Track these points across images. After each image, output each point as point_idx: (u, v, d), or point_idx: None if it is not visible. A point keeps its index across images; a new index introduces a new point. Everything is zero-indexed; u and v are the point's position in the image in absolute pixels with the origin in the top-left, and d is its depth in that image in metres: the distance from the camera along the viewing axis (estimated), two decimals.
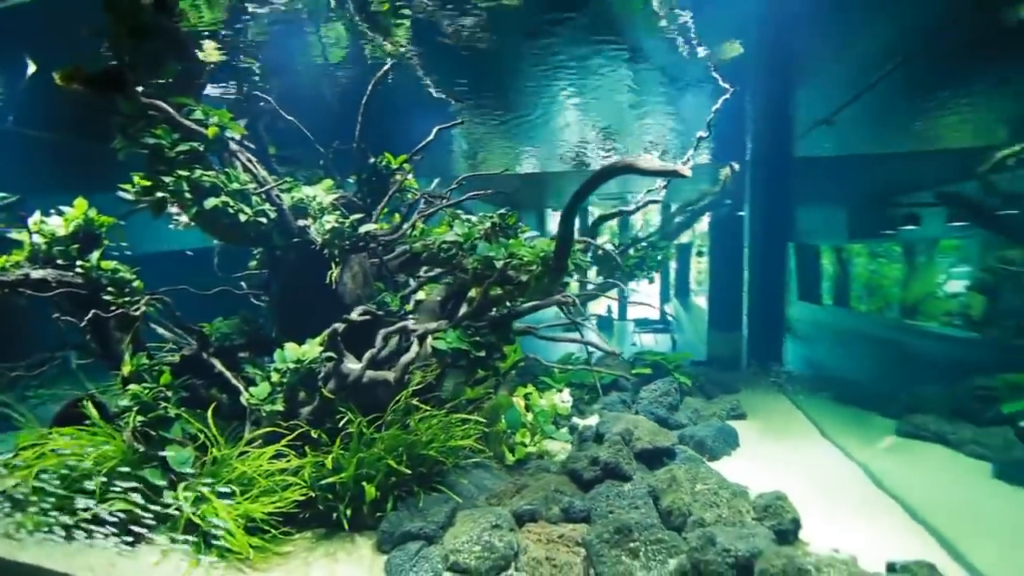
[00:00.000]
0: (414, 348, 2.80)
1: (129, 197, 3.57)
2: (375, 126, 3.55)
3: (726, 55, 3.88)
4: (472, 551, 2.31)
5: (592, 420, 3.66)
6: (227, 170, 2.81)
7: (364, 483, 2.50)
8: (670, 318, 14.17)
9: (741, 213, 5.68)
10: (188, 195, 2.65)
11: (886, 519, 2.51)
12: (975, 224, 4.79)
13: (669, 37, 3.68)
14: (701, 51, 3.49)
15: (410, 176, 3.65)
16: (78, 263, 2.94)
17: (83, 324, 2.75)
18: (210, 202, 2.67)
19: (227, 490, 2.49)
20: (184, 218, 3.72)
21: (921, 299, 12.52)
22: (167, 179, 2.62)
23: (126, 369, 2.85)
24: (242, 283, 3.79)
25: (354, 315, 2.77)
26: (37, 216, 2.97)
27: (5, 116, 3.53)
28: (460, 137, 5.82)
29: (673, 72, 4.23)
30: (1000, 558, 2.07)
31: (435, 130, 3.67)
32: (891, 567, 1.97)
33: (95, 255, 3.01)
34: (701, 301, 15.18)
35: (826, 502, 2.59)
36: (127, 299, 2.99)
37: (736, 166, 4.30)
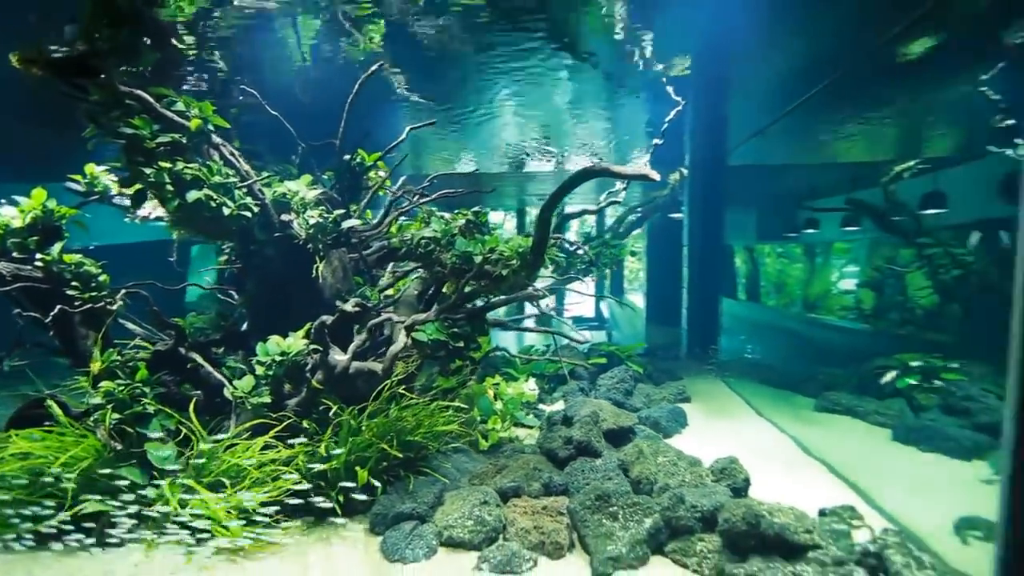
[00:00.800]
0: (401, 339, 2.92)
1: (79, 188, 3.42)
2: (338, 121, 3.63)
3: (675, 71, 4.29)
4: (464, 525, 2.48)
5: (556, 407, 3.92)
6: (208, 163, 2.79)
7: (357, 468, 2.60)
8: (605, 316, 14.89)
9: (679, 215, 6.19)
10: (170, 188, 2.62)
11: (814, 476, 2.97)
12: (876, 227, 5.58)
13: (625, 51, 4.02)
14: (659, 66, 3.85)
15: (382, 173, 3.75)
16: (38, 256, 2.80)
17: (48, 320, 2.63)
18: (192, 195, 2.65)
19: (215, 483, 2.50)
20: (143, 212, 3.62)
21: (821, 295, 13.98)
22: (147, 171, 2.58)
23: (96, 366, 2.75)
24: (206, 277, 3.71)
25: (348, 307, 2.85)
26: None
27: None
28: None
29: (621, 82, 4.60)
30: (901, 500, 2.56)
31: (407, 129, 3.79)
32: (822, 512, 2.37)
33: (56, 248, 2.88)
34: (634, 298, 16.00)
35: (766, 466, 3.00)
36: (93, 294, 2.88)
37: (685, 172, 4.73)
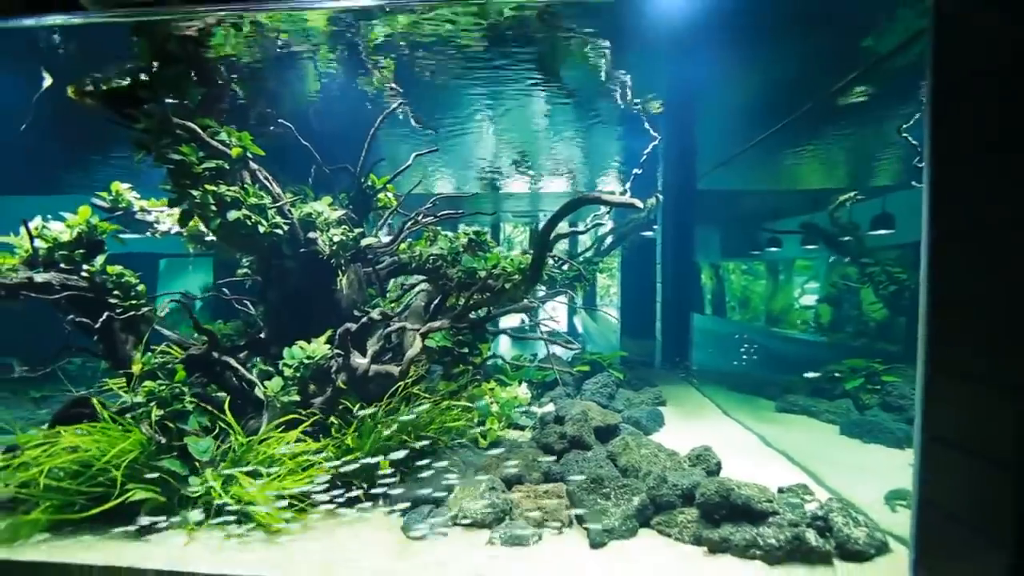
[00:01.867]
0: (417, 344, 3.27)
1: (104, 204, 3.69)
2: (345, 146, 3.99)
3: (651, 109, 4.81)
4: (475, 508, 2.82)
5: (546, 409, 4.30)
6: (245, 185, 3.11)
7: (383, 457, 2.92)
8: (579, 330, 15.39)
9: (651, 234, 6.72)
10: (213, 208, 2.93)
11: (775, 465, 3.44)
12: (825, 248, 6.23)
13: (607, 90, 4.51)
14: (636, 105, 4.35)
15: (391, 195, 4.12)
16: (84, 267, 3.05)
17: (97, 326, 2.88)
18: (233, 215, 2.96)
19: (253, 472, 2.78)
20: (163, 227, 3.90)
21: (783, 310, 14.81)
22: (195, 192, 2.88)
23: (137, 368, 3.01)
24: (224, 289, 3.99)
25: (375, 314, 3.18)
26: (38, 221, 3.04)
27: (19, 123, 3.46)
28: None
29: (601, 116, 5.10)
30: (844, 480, 3.05)
31: (412, 156, 4.17)
32: (780, 489, 2.81)
33: (99, 260, 3.14)
34: (606, 312, 16.56)
35: (733, 457, 3.44)
36: (132, 302, 3.14)
37: (660, 197, 5.23)
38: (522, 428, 4.22)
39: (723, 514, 2.52)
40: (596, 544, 2.57)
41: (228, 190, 2.96)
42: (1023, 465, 1.67)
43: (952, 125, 1.99)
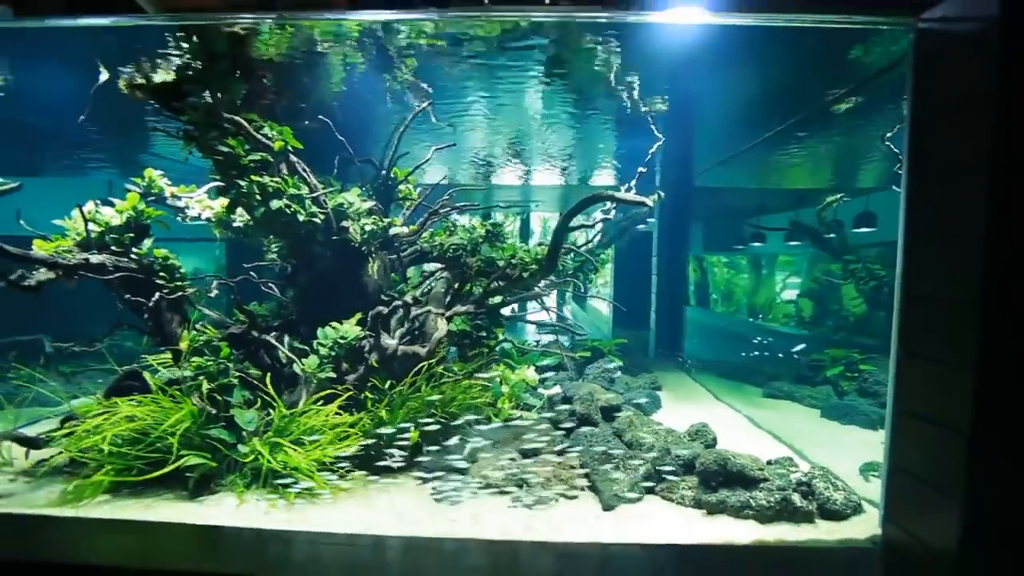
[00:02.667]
0: (443, 327, 3.54)
1: (138, 191, 3.89)
2: (367, 139, 4.20)
3: (655, 108, 5.09)
4: (498, 475, 3.13)
5: (553, 390, 4.61)
6: (284, 177, 3.34)
7: (413, 429, 3.21)
8: (569, 319, 15.73)
9: (645, 227, 7.04)
10: (258, 197, 3.16)
11: (763, 442, 3.81)
12: (811, 245, 6.62)
13: (615, 93, 4.77)
14: (643, 108, 4.62)
15: (411, 187, 4.36)
16: (133, 250, 3.26)
17: (150, 304, 3.10)
18: (275, 204, 3.19)
19: (296, 441, 3.04)
20: (193, 212, 4.10)
21: (766, 304, 15.28)
22: (242, 183, 3.11)
23: (184, 344, 3.24)
24: (252, 273, 4.21)
25: (408, 298, 3.45)
26: (91, 206, 3.24)
27: (78, 114, 3.62)
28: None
29: (603, 114, 5.35)
30: (825, 455, 3.40)
31: (432, 149, 4.41)
32: (768, 461, 3.16)
33: (147, 243, 3.35)
34: (596, 303, 16.92)
35: (725, 435, 3.77)
36: (177, 283, 3.36)
37: (662, 194, 5.53)
38: (530, 408, 4.53)
39: (720, 481, 2.86)
40: (608, 507, 2.89)
41: (271, 181, 3.19)
42: (976, 431, 2.02)
43: (926, 148, 2.32)
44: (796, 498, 2.69)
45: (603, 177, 8.07)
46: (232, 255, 6.36)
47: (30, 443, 3.18)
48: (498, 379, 4.48)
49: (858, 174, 7.71)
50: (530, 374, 4.62)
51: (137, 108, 3.97)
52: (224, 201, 4.14)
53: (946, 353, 2.14)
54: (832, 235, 6.69)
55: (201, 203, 4.08)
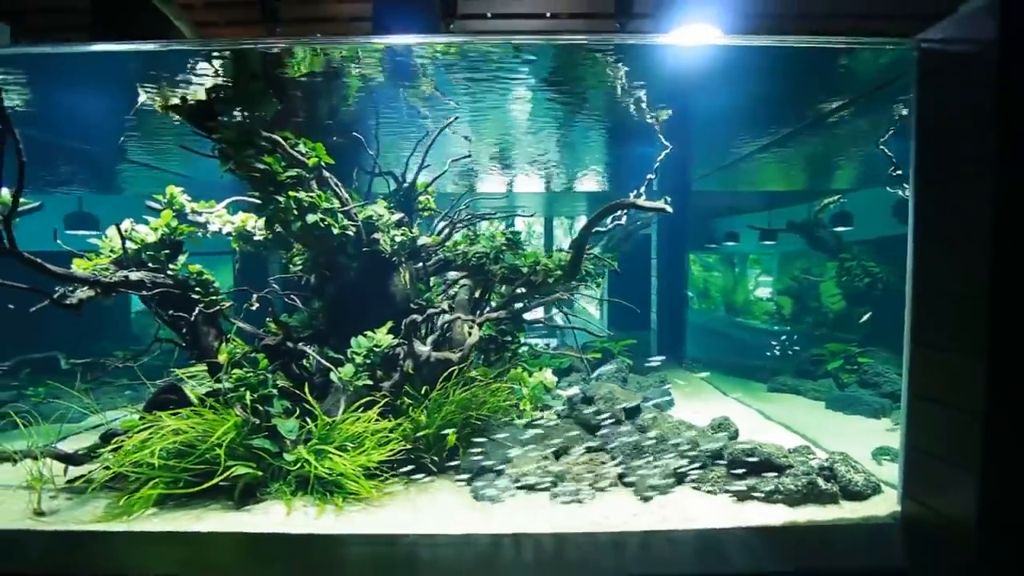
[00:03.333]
0: (476, 333, 3.66)
1: (159, 206, 3.96)
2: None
3: (660, 118, 5.31)
4: (534, 473, 3.26)
5: (571, 391, 4.76)
6: (317, 192, 3.44)
7: (451, 432, 3.31)
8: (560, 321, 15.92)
9: (646, 231, 7.27)
10: (295, 212, 3.25)
11: (777, 433, 4.01)
12: (808, 245, 6.93)
13: (622, 106, 4.97)
14: (649, 118, 4.83)
15: (430, 197, 4.48)
16: (169, 266, 3.32)
17: (192, 319, 3.16)
18: (311, 218, 3.29)
19: (340, 447, 3.13)
20: (214, 227, 4.16)
21: (744, 302, 15.62)
22: (279, 198, 3.20)
23: (223, 357, 3.30)
24: (274, 285, 4.27)
25: (445, 306, 3.56)
26: (128, 224, 3.29)
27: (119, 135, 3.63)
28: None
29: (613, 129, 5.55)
30: (837, 444, 3.59)
31: (449, 161, 4.55)
32: (788, 450, 3.36)
33: (181, 259, 3.40)
34: (585, 305, 17.12)
35: (742, 429, 3.98)
36: (212, 297, 3.42)
37: (669, 199, 5.75)
38: (549, 408, 4.67)
39: (749, 469, 3.04)
40: (644, 498, 3.05)
41: (307, 196, 3.29)
42: (988, 412, 2.23)
43: (932, 156, 2.54)
44: (820, 481, 2.88)
45: (607, 184, 8.28)
46: (242, 268, 6.38)
47: (69, 459, 3.20)
48: (520, 383, 4.62)
49: (836, 175, 8.08)
50: (548, 376, 4.77)
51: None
52: (244, 215, 4.22)
53: (958, 342, 2.36)
54: (822, 232, 7.00)
55: (221, 218, 4.14)
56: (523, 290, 3.86)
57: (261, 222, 4.20)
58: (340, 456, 3.08)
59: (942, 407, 2.46)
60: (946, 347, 2.44)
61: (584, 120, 5.32)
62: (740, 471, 3.04)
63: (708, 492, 3.09)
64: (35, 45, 2.88)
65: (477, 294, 4.25)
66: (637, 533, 2.62)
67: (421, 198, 4.38)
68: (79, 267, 3.14)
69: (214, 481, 2.90)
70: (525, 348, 4.81)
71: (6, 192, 4.04)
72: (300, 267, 4.10)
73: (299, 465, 3.05)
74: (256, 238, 4.24)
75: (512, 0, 5.35)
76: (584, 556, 2.41)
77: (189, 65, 3.14)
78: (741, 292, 15.91)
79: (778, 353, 5.01)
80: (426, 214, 4.53)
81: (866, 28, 5.05)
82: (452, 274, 4.52)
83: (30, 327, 5.11)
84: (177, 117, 3.21)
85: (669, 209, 3.39)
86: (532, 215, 9.35)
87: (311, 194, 3.30)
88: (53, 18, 5.17)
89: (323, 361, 3.40)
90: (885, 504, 2.84)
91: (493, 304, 4.48)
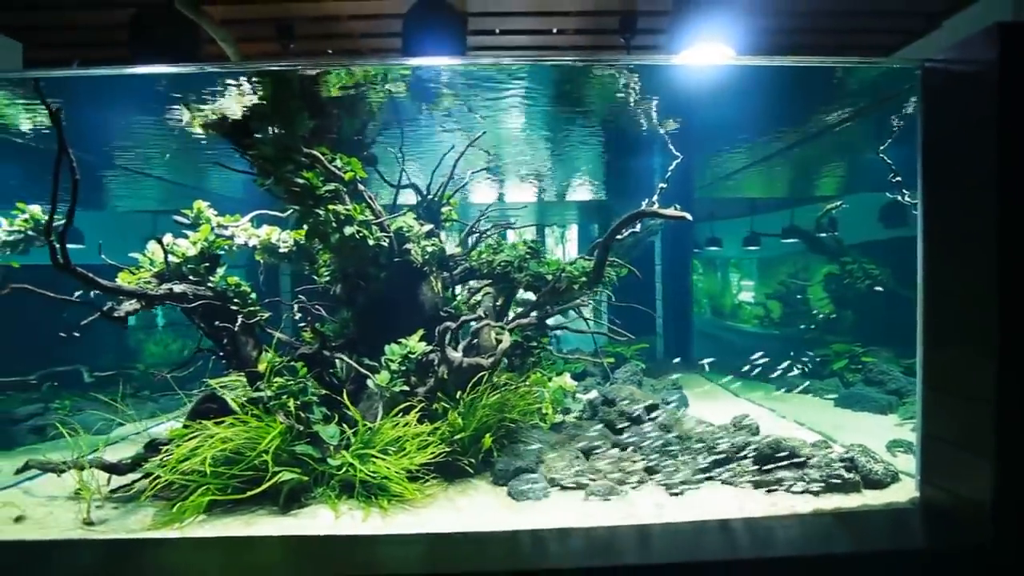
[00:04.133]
0: (507, 339, 3.79)
1: (186, 221, 4.06)
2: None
3: (667, 127, 5.52)
4: (567, 473, 3.39)
5: (591, 395, 4.90)
6: (353, 204, 3.57)
7: (486, 435, 3.43)
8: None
9: (653, 238, 7.48)
10: (333, 224, 3.38)
11: (792, 429, 4.19)
12: (807, 247, 7.19)
13: (633, 117, 5.17)
14: (661, 128, 5.03)
15: (452, 208, 4.63)
16: (209, 279, 3.41)
17: (235, 329, 3.26)
18: (348, 230, 3.42)
19: (382, 451, 3.23)
20: (240, 240, 4.26)
21: (732, 306, 15.72)
22: (319, 212, 3.32)
23: (263, 366, 3.40)
24: (300, 296, 4.38)
25: (480, 312, 3.69)
26: (169, 238, 3.38)
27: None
28: None
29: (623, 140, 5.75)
30: (851, 437, 3.77)
31: (469, 173, 4.71)
32: (811, 444, 3.53)
33: (220, 272, 3.50)
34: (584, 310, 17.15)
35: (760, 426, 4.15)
36: (249, 308, 3.52)
37: (679, 207, 5.96)
38: (569, 412, 4.81)
39: (774, 462, 3.20)
40: (675, 493, 3.19)
41: (344, 209, 3.42)
42: (1000, 401, 2.41)
43: (938, 166, 2.76)
44: (843, 471, 3.05)
45: (608, 194, 8.48)
46: (267, 280, 6.47)
47: (114, 469, 3.26)
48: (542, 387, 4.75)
49: (825, 182, 8.37)
50: (568, 381, 4.91)
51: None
52: (268, 229, 4.34)
53: (970, 335, 2.55)
54: (823, 235, 7.28)
55: (246, 231, 4.24)
56: (548, 296, 4.00)
57: (285, 235, 4.33)
58: (383, 459, 3.18)
59: (956, 397, 2.64)
60: (958, 341, 2.64)
61: (588, 133, 5.52)
62: (767, 465, 3.20)
63: (737, 485, 3.24)
64: (87, 68, 2.97)
65: (500, 301, 4.39)
66: (675, 523, 2.76)
67: (444, 209, 4.53)
68: (124, 281, 3.23)
69: (264, 487, 2.98)
70: (547, 353, 4.94)
71: (37, 208, 4.12)
72: (327, 278, 4.21)
73: (344, 469, 3.14)
74: (281, 250, 4.36)
75: (519, 17, 5.53)
76: (622, 547, 2.54)
77: (229, 85, 3.28)
78: (728, 296, 16.06)
79: (793, 365, 5.17)
80: (448, 224, 4.67)
81: (869, 41, 5.33)
82: (472, 283, 4.66)
83: (36, 343, 5.15)
84: (213, 133, 3.32)
85: (689, 217, 3.57)
86: (550, 226, 9.57)
87: (347, 207, 3.43)
88: (64, 35, 5.24)
89: (359, 368, 3.51)
90: (904, 491, 3.01)
91: (514, 311, 4.62)
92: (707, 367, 5.16)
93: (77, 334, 4.03)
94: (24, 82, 3.49)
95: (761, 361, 4.63)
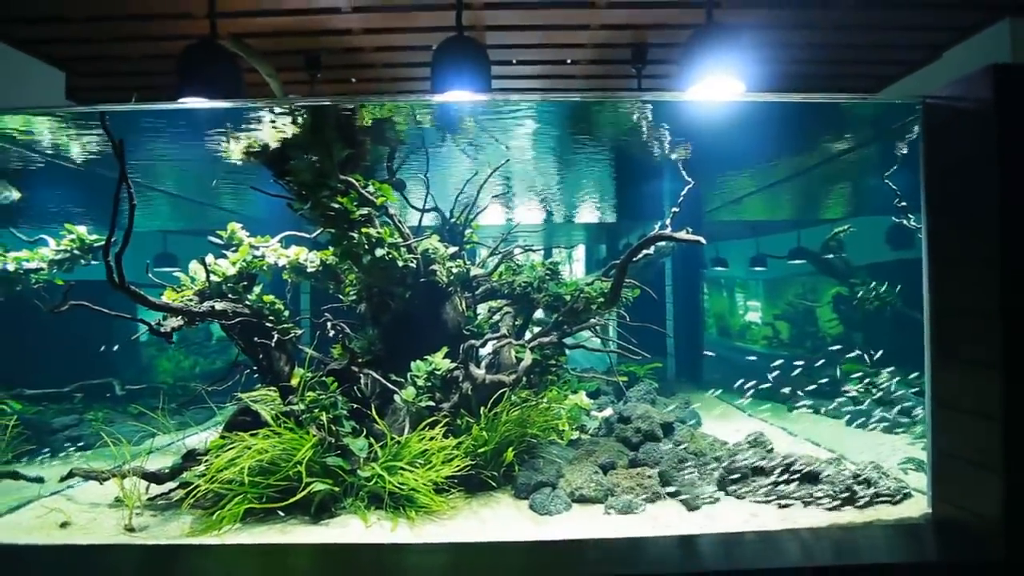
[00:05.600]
0: (528, 357, 3.94)
1: (220, 242, 4.26)
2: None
3: (679, 156, 5.73)
4: (588, 487, 3.49)
5: (606, 412, 5.01)
6: (382, 228, 3.76)
7: (508, 450, 3.56)
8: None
9: (664, 259, 7.65)
10: (365, 247, 3.57)
11: (805, 447, 4.27)
12: (815, 269, 7.34)
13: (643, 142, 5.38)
14: (673, 155, 5.24)
15: (473, 231, 4.83)
16: (247, 297, 3.60)
17: (272, 345, 3.43)
18: (379, 252, 3.61)
19: (410, 464, 3.36)
20: (270, 259, 4.44)
21: (741, 327, 15.68)
22: (353, 235, 3.52)
23: (295, 381, 3.56)
24: (327, 314, 4.55)
25: (504, 331, 3.85)
26: (211, 258, 3.59)
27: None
28: None
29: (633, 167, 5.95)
30: (862, 455, 3.85)
31: (488, 199, 4.91)
32: (824, 461, 3.62)
33: (257, 290, 3.70)
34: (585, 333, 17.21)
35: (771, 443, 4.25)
36: (284, 325, 3.70)
37: (690, 230, 6.14)
38: (587, 429, 4.91)
39: (788, 477, 3.30)
40: (692, 508, 3.29)
41: (375, 232, 3.62)
42: (1007, 416, 2.53)
43: (941, 194, 2.92)
44: (856, 488, 3.15)
45: (617, 215, 8.66)
46: (293, 298, 6.67)
47: (154, 478, 3.41)
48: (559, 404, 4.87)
49: (829, 205, 8.53)
50: (584, 398, 5.03)
51: None
52: (297, 249, 4.54)
53: (977, 354, 2.68)
54: (830, 256, 7.43)
55: (276, 251, 4.45)
56: (567, 316, 4.16)
57: (312, 255, 4.53)
58: (411, 471, 3.31)
59: (965, 414, 2.76)
60: (965, 359, 2.76)
61: (599, 158, 5.73)
62: (781, 480, 3.30)
63: (752, 501, 3.34)
64: (146, 103, 3.22)
65: (518, 321, 4.55)
66: (693, 535, 2.86)
67: (467, 232, 4.73)
68: (169, 298, 3.42)
69: (298, 496, 3.12)
70: (564, 371, 5.08)
71: (83, 229, 4.36)
72: (353, 297, 4.39)
73: (373, 480, 3.27)
74: (308, 270, 4.56)
75: (535, 48, 5.79)
76: (644, 557, 2.65)
77: (273, 117, 3.51)
78: (736, 318, 16.05)
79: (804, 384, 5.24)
80: (469, 246, 4.86)
81: (874, 72, 5.55)
82: (492, 303, 4.82)
83: (64, 357, 5.34)
84: (254, 161, 3.55)
85: (703, 241, 3.73)
86: (566, 247, 9.80)
87: (378, 230, 3.63)
88: (108, 65, 5.54)
89: (387, 384, 3.66)
90: (916, 507, 3.10)
91: (530, 331, 4.77)
92: (745, 391, 5.20)
93: (116, 348, 4.23)
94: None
95: (773, 375, 4.73)
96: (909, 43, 5.09)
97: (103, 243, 4.03)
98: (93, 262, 4.53)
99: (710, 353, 8.18)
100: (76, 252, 4.30)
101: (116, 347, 4.51)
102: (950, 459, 2.87)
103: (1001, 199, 2.51)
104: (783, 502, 3.22)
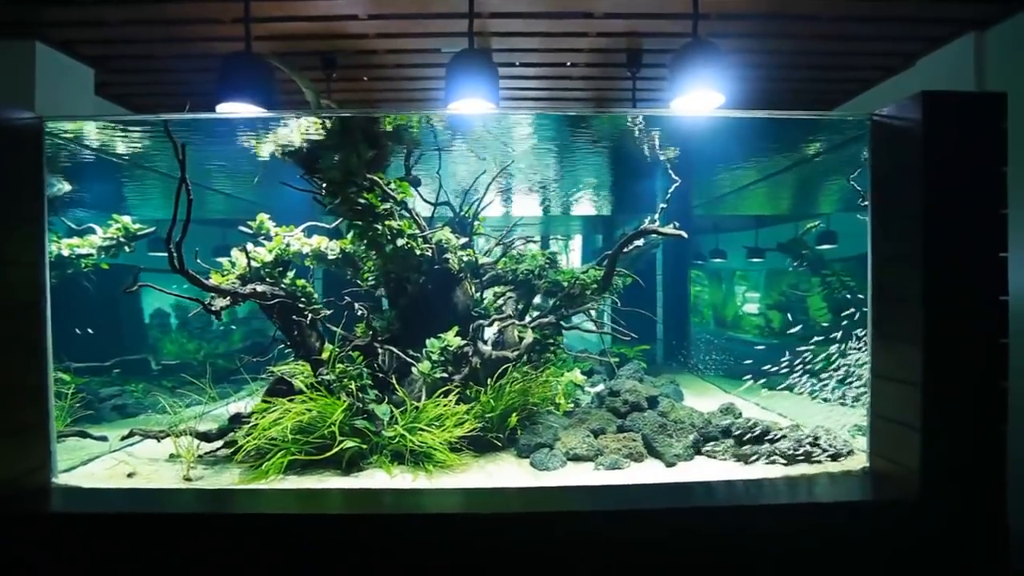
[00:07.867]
0: (529, 335, 4.46)
1: (249, 231, 4.73)
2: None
3: (669, 155, 6.22)
4: (580, 447, 4.03)
5: (598, 388, 5.56)
6: (402, 220, 4.25)
7: (511, 416, 4.09)
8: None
9: (655, 251, 8.19)
10: (388, 237, 4.07)
11: (772, 417, 4.84)
12: (795, 261, 7.91)
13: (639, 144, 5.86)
14: (662, 155, 5.73)
15: (480, 223, 5.32)
16: (283, 281, 4.10)
17: (307, 323, 3.94)
18: (400, 242, 4.10)
19: (428, 426, 3.88)
20: (295, 247, 4.91)
21: (734, 317, 16.26)
22: (377, 227, 4.01)
23: (325, 355, 4.06)
24: (346, 296, 5.05)
25: (509, 311, 4.36)
26: (251, 246, 4.07)
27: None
28: None
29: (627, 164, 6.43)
30: (821, 423, 4.41)
31: (494, 192, 5.39)
32: (784, 427, 4.18)
33: (290, 275, 4.19)
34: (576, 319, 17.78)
35: (744, 414, 4.80)
36: (315, 306, 4.20)
37: (677, 224, 6.65)
38: (580, 403, 5.45)
39: (750, 439, 3.85)
40: (669, 464, 3.84)
41: (396, 224, 4.11)
42: (925, 384, 3.07)
43: (883, 200, 3.44)
44: (809, 447, 3.71)
45: (612, 210, 9.17)
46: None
47: (205, 437, 3.92)
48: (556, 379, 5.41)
49: (803, 204, 9.06)
50: (578, 375, 5.57)
51: None
52: (319, 238, 5.02)
53: (904, 332, 3.22)
54: (805, 251, 7.97)
55: (300, 240, 4.93)
56: (564, 300, 4.68)
57: (333, 243, 5.01)
58: (429, 432, 3.84)
59: (894, 383, 3.31)
60: (896, 337, 3.31)
61: (595, 157, 6.21)
62: (745, 441, 3.85)
63: (721, 459, 3.89)
64: (199, 112, 3.67)
65: (520, 304, 5.06)
66: (669, 483, 3.41)
67: (475, 224, 5.22)
68: (216, 280, 3.91)
69: (332, 451, 3.64)
70: (561, 351, 5.61)
71: (128, 219, 4.82)
72: (372, 282, 4.89)
73: (396, 439, 3.80)
74: (329, 257, 5.04)
75: (536, 52, 6.23)
76: (633, 497, 3.20)
77: (305, 124, 3.97)
78: (730, 308, 16.58)
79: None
80: (476, 236, 5.36)
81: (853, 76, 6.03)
82: (496, 288, 5.33)
83: (100, 335, 5.81)
84: (288, 160, 4.03)
85: (684, 235, 4.25)
86: (571, 238, 10.36)
87: (398, 223, 4.12)
88: (137, 62, 5.92)
89: (406, 357, 4.17)
90: (857, 462, 3.67)
91: (530, 314, 5.29)
92: (697, 366, 5.73)
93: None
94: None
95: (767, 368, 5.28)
96: (886, 51, 5.56)
97: (145, 232, 4.52)
98: (125, 250, 5.01)
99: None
100: (122, 240, 4.77)
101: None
102: (883, 421, 3.43)
103: (924, 205, 3.04)
104: (746, 459, 3.77)
